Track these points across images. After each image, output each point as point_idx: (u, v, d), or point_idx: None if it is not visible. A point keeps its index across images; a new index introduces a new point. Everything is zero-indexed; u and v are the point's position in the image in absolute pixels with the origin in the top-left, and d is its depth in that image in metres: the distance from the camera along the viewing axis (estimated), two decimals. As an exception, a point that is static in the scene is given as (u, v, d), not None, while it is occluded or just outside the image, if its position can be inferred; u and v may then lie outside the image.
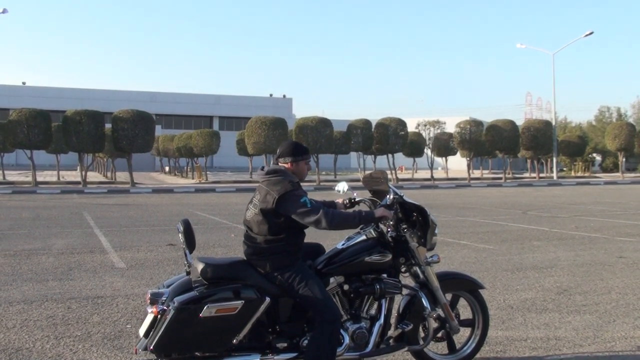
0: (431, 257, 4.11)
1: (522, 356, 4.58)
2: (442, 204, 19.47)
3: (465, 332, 4.42)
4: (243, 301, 3.50)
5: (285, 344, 3.70)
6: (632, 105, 71.49)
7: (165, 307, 3.45)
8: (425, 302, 4.05)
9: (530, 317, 5.65)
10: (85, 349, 4.69)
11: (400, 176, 40.18)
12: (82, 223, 13.59)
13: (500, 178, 39.68)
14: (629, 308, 5.99)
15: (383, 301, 3.96)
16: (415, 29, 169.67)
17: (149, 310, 3.52)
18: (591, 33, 40.26)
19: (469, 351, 4.34)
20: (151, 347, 3.43)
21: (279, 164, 3.90)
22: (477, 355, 4.42)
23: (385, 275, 3.98)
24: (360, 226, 3.98)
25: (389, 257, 3.94)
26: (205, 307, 3.43)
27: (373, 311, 3.99)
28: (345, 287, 3.88)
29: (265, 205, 3.69)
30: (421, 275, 4.12)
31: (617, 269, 8.05)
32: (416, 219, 4.03)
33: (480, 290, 4.37)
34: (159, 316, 3.46)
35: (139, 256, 8.97)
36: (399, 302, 4.22)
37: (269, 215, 3.69)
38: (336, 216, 3.66)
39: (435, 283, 4.10)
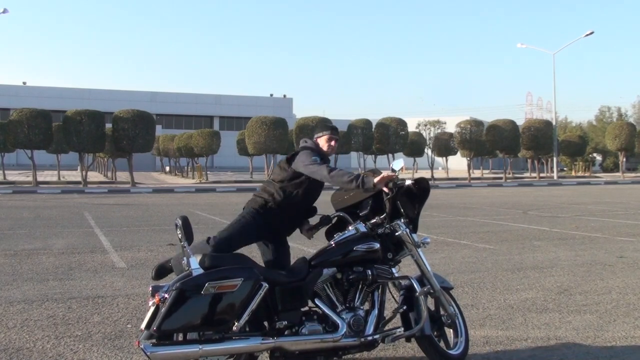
0: (422, 239, 4.26)
1: (522, 356, 4.58)
2: (443, 203, 19.47)
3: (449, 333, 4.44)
4: (243, 278, 3.59)
5: (286, 331, 3.81)
6: (633, 105, 71.73)
7: (166, 295, 3.48)
8: (416, 284, 4.18)
9: (530, 316, 5.65)
10: (85, 348, 4.69)
11: (400, 176, 40.05)
12: (82, 223, 13.60)
13: (501, 178, 39.69)
14: (629, 308, 5.99)
15: (376, 292, 4.10)
16: (415, 29, 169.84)
17: (151, 303, 3.55)
18: (591, 33, 40.30)
19: (462, 346, 4.36)
20: (154, 329, 3.43)
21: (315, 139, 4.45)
22: (478, 354, 4.44)
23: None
24: (354, 224, 4.22)
25: (377, 246, 4.07)
26: (206, 284, 3.49)
27: (367, 302, 4.12)
28: (338, 275, 4.03)
29: (291, 156, 4.31)
30: (413, 258, 4.25)
31: (617, 268, 8.05)
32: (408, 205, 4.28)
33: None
34: (160, 304, 3.48)
35: (139, 256, 8.97)
36: (397, 294, 4.31)
37: (290, 169, 4.22)
38: (338, 170, 4.16)
39: (428, 267, 4.23)
